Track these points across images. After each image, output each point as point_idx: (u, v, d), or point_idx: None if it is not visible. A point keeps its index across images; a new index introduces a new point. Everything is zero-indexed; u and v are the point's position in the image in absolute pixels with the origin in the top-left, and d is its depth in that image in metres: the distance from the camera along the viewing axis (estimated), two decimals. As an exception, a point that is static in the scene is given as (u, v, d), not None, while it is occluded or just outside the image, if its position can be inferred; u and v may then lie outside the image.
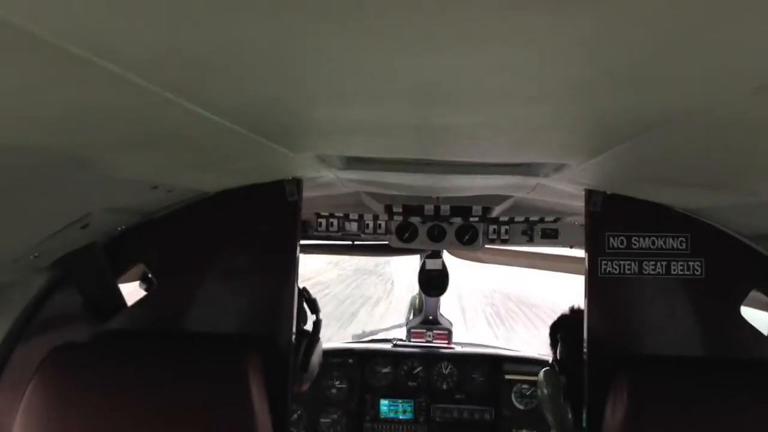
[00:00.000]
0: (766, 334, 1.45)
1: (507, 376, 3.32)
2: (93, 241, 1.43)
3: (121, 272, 1.59)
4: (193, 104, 0.68)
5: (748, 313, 1.49)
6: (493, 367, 3.35)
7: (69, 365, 1.27)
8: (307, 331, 1.70)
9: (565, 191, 1.63)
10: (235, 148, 1.04)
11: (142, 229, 1.54)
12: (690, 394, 1.28)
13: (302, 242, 1.58)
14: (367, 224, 2.84)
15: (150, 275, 1.61)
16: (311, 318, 1.73)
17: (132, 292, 1.67)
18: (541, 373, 1.71)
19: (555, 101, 0.66)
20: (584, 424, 1.49)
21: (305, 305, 1.69)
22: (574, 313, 1.68)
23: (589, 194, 1.50)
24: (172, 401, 1.23)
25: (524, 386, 3.30)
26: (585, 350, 1.49)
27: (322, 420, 3.32)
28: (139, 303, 1.53)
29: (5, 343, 1.38)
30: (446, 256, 3.41)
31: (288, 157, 1.21)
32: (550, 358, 3.35)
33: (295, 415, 3.29)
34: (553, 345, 1.73)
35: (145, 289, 1.78)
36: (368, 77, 0.58)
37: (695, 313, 1.46)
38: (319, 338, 1.75)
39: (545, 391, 1.68)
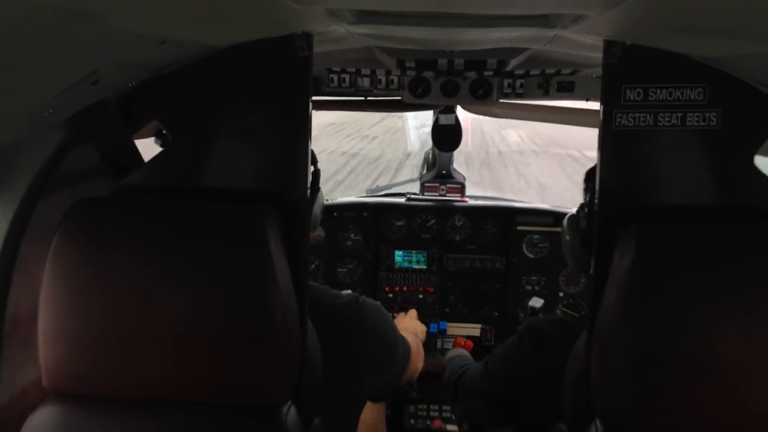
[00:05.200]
0: None
1: (519, 227, 3.40)
2: (105, 97, 1.43)
3: (136, 129, 1.61)
4: None
5: (761, 161, 1.49)
6: (505, 219, 3.44)
7: (92, 218, 1.31)
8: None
9: (583, 43, 1.58)
10: (241, 0, 1.01)
11: (153, 86, 1.53)
12: (697, 242, 1.31)
13: (314, 98, 1.57)
14: (380, 79, 2.80)
15: (164, 131, 1.62)
16: (310, 169, 1.77)
17: (148, 147, 1.70)
18: (565, 219, 1.79)
19: None
20: (591, 270, 1.55)
21: None
22: None
23: (608, 45, 1.46)
24: (192, 253, 1.29)
25: (535, 236, 3.40)
26: (596, 201, 1.52)
27: (339, 270, 3.46)
28: (156, 159, 1.56)
29: (27, 197, 1.42)
30: (459, 110, 3.38)
31: (297, 10, 1.17)
32: (562, 210, 3.44)
33: (313, 266, 3.43)
34: (584, 192, 1.79)
35: (161, 145, 1.80)
36: None
37: (709, 163, 1.46)
38: (319, 188, 1.79)
39: (566, 235, 1.76)
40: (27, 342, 1.46)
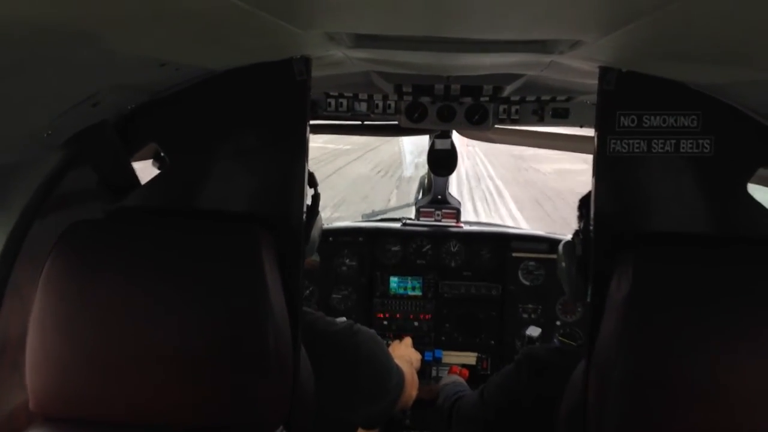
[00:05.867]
0: None
1: (514, 254, 3.40)
2: (104, 119, 1.43)
3: (134, 151, 1.61)
4: None
5: (754, 190, 1.50)
6: (501, 245, 3.43)
7: (86, 240, 1.30)
8: (306, 205, 1.73)
9: (579, 69, 1.60)
10: (241, 24, 1.02)
11: (152, 108, 1.54)
12: (695, 269, 1.31)
13: (312, 122, 1.57)
14: (377, 104, 2.81)
15: (162, 154, 1.62)
16: (309, 192, 1.76)
17: (145, 170, 1.69)
18: (561, 245, 1.78)
19: None
20: (588, 299, 1.54)
21: None
22: None
23: (604, 71, 1.47)
24: (187, 276, 1.28)
25: (531, 263, 3.39)
26: (591, 227, 1.52)
27: (334, 296, 3.44)
28: (153, 181, 1.55)
29: (23, 219, 1.41)
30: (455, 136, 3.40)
31: (296, 34, 1.18)
32: (557, 237, 3.43)
33: (307, 291, 3.41)
34: (579, 219, 1.79)
35: (158, 168, 1.80)
36: None
37: (703, 190, 1.47)
38: (318, 211, 1.79)
39: (562, 262, 1.76)
40: (14, 367, 1.44)
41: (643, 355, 1.26)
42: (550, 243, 3.37)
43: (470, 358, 3.36)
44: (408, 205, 4.44)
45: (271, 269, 1.33)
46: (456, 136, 3.41)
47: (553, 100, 2.70)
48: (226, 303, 1.27)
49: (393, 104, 2.81)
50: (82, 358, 1.25)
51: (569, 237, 1.81)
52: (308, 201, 1.71)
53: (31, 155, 1.36)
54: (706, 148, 1.46)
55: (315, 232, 1.76)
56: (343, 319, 1.94)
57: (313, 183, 1.72)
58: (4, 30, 0.75)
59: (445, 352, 3.35)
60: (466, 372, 3.19)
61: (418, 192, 3.96)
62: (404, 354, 2.73)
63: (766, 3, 0.66)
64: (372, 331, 1.93)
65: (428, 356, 3.28)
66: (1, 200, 1.38)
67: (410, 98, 2.65)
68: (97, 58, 1.04)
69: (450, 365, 3.28)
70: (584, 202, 1.75)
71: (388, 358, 2.00)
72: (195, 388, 1.26)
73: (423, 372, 3.14)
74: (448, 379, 3.00)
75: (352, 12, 0.97)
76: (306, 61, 1.50)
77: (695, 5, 0.72)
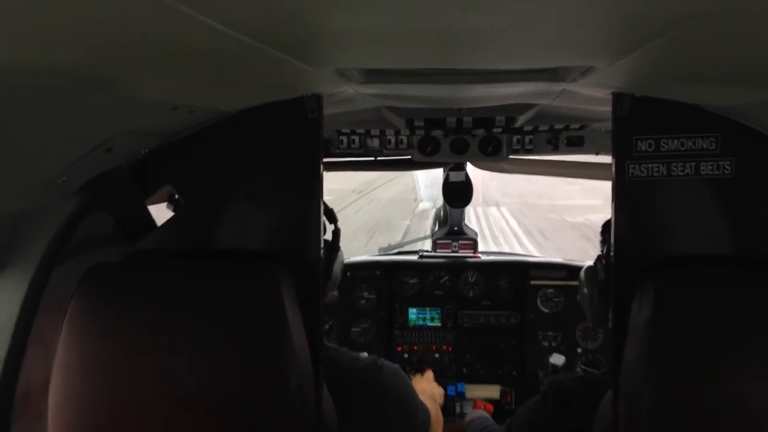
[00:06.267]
0: None
1: (532, 282, 3.37)
2: (118, 164, 1.44)
3: (149, 194, 1.61)
4: (208, 17, 0.66)
5: None
6: (519, 274, 3.40)
7: (107, 284, 1.30)
8: (327, 241, 1.73)
9: (592, 96, 1.59)
10: (252, 64, 1.02)
11: (165, 151, 1.55)
12: (717, 290, 1.28)
13: (325, 160, 1.58)
14: (389, 140, 2.82)
15: (177, 196, 1.63)
16: (330, 227, 1.76)
17: (161, 212, 1.70)
18: (582, 271, 1.76)
19: None
20: (610, 324, 1.52)
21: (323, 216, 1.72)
22: None
23: (617, 98, 1.46)
24: (208, 318, 1.27)
25: (549, 290, 3.36)
26: (612, 253, 1.50)
27: (353, 329, 3.43)
28: (168, 223, 1.56)
29: (42, 266, 1.42)
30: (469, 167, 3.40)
31: (307, 72, 1.19)
32: (576, 263, 3.39)
33: (327, 326, 3.39)
34: (601, 244, 1.78)
35: (173, 210, 1.80)
36: None
37: (724, 212, 1.45)
38: (339, 247, 1.78)
39: (584, 288, 1.73)
40: (37, 417, 1.43)
41: (671, 382, 1.23)
42: (569, 270, 3.33)
43: (494, 391, 3.30)
44: (424, 238, 4.43)
45: (291, 307, 1.32)
46: (470, 169, 3.40)
47: (567, 128, 2.70)
48: (247, 344, 1.26)
49: (405, 139, 2.82)
50: (105, 401, 1.24)
51: (589, 263, 1.79)
52: (329, 236, 1.71)
53: (46, 202, 1.37)
54: (727, 170, 1.44)
55: (337, 267, 1.76)
56: (365, 354, 1.92)
57: (333, 219, 1.72)
58: (19, 77, 0.76)
59: (468, 386, 3.30)
60: (490, 407, 3.14)
61: (434, 224, 3.95)
62: (427, 389, 2.69)
63: None
64: (396, 366, 1.91)
65: (451, 391, 3.23)
66: (19, 248, 1.39)
67: (422, 132, 2.65)
68: (109, 103, 1.05)
69: (474, 400, 3.23)
70: (606, 228, 1.74)
71: (413, 395, 1.97)
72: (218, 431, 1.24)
73: (446, 408, 3.09)
74: (474, 413, 2.94)
75: (362, 47, 0.97)
76: (317, 99, 1.51)
77: (706, 25, 0.71)
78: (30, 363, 1.42)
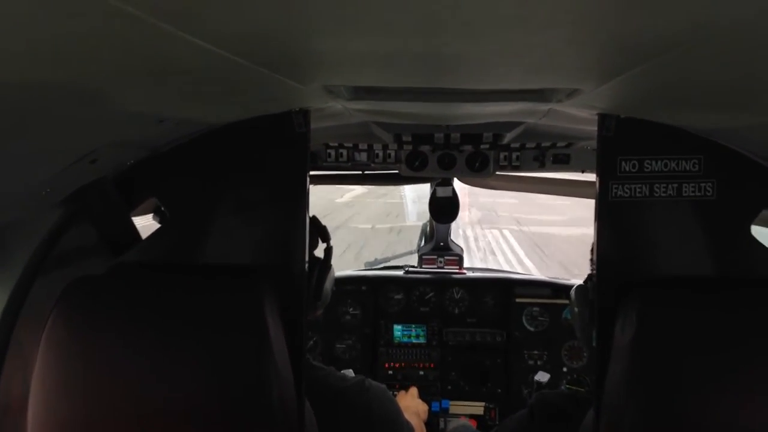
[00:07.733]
0: None
1: (518, 300, 3.37)
2: (103, 175, 1.43)
3: (134, 206, 1.60)
4: (194, 36, 0.66)
5: (757, 231, 1.49)
6: (504, 291, 3.40)
7: (88, 297, 1.29)
8: (318, 258, 1.72)
9: (578, 116, 1.60)
10: (240, 80, 1.02)
11: (151, 163, 1.54)
12: (699, 313, 1.29)
13: (312, 173, 1.57)
14: (377, 154, 2.83)
15: (162, 208, 1.62)
16: (321, 245, 1.76)
17: (145, 225, 1.69)
18: (573, 290, 1.76)
19: (570, 24, 0.64)
20: (594, 343, 1.52)
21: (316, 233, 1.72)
22: None
23: (603, 119, 1.47)
24: (188, 331, 1.26)
25: (535, 309, 3.36)
26: (594, 272, 1.50)
27: (338, 345, 3.40)
28: (153, 236, 1.55)
29: (24, 277, 1.40)
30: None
31: (294, 88, 1.19)
32: (561, 282, 3.39)
33: (311, 342, 3.37)
34: (591, 263, 1.77)
35: (159, 222, 1.79)
36: (375, 3, 0.56)
37: (706, 233, 1.46)
38: (331, 265, 1.78)
39: (575, 307, 1.73)
40: (16, 429, 1.41)
41: (652, 402, 1.23)
42: (554, 288, 3.34)
43: (478, 408, 3.29)
44: (410, 253, 4.43)
45: (274, 322, 1.31)
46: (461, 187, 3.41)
47: (554, 146, 2.71)
48: (228, 361, 1.25)
49: (393, 153, 2.82)
50: (84, 417, 1.22)
51: (579, 282, 1.79)
52: (320, 254, 1.71)
53: (30, 213, 1.36)
54: (709, 192, 1.45)
55: (328, 285, 1.75)
56: (350, 371, 1.90)
57: (325, 237, 1.71)
58: (2, 89, 0.76)
59: (452, 402, 3.29)
60: (474, 423, 3.13)
61: (420, 239, 3.95)
62: (411, 405, 2.68)
63: (764, 49, 0.66)
64: (383, 386, 1.90)
65: (435, 407, 3.22)
66: (1, 259, 1.37)
67: (410, 147, 2.66)
68: (95, 115, 1.04)
69: (458, 416, 3.22)
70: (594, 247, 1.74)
71: (399, 415, 1.97)
72: None
73: (430, 424, 3.08)
74: (457, 423, 2.94)
75: (350, 66, 0.97)
76: (305, 114, 1.51)
77: (692, 53, 0.72)
78: (8, 376, 1.40)
